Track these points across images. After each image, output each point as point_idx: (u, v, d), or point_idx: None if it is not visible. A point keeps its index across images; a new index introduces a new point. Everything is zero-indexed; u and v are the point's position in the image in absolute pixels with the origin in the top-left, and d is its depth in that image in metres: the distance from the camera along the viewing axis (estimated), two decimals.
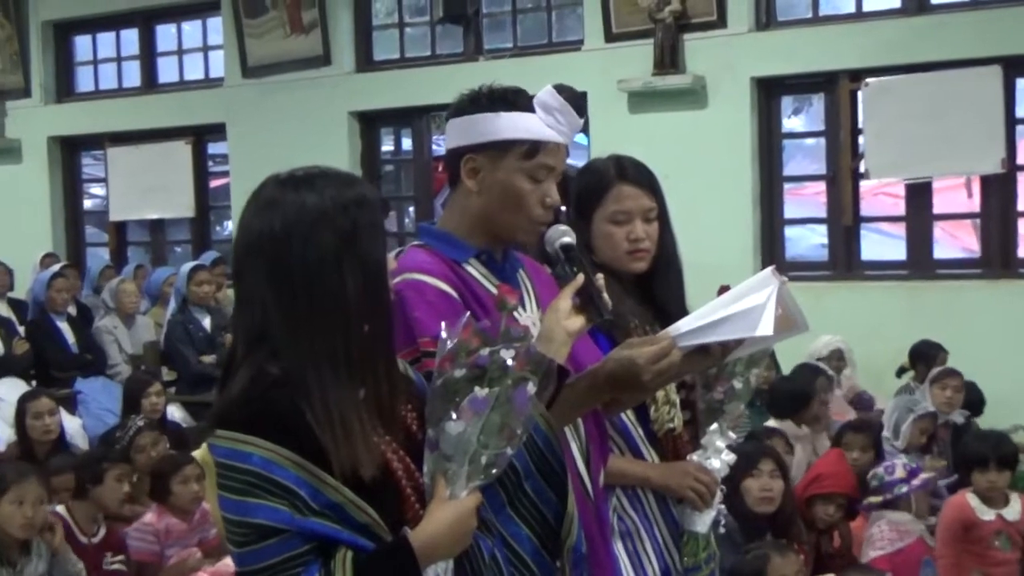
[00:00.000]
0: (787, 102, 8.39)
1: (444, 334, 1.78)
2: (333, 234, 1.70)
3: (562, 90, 2.25)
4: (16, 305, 8.62)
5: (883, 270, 7.87)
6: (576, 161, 8.31)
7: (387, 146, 9.99)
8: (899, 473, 4.79)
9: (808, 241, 8.78)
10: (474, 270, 2.23)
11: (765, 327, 2.15)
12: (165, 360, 7.84)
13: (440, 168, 8.72)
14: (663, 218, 2.67)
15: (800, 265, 8.18)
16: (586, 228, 2.62)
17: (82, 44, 11.06)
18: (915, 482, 4.77)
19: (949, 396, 6.05)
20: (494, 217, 2.21)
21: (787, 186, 8.25)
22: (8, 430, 6.05)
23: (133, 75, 10.76)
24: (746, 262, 7.65)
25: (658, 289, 2.66)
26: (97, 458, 4.83)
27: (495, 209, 2.20)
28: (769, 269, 2.25)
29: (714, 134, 7.91)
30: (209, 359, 7.48)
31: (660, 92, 8.01)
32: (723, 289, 2.31)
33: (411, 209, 9.76)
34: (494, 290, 2.18)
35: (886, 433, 5.87)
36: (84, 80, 11.08)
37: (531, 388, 1.74)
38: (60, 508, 4.60)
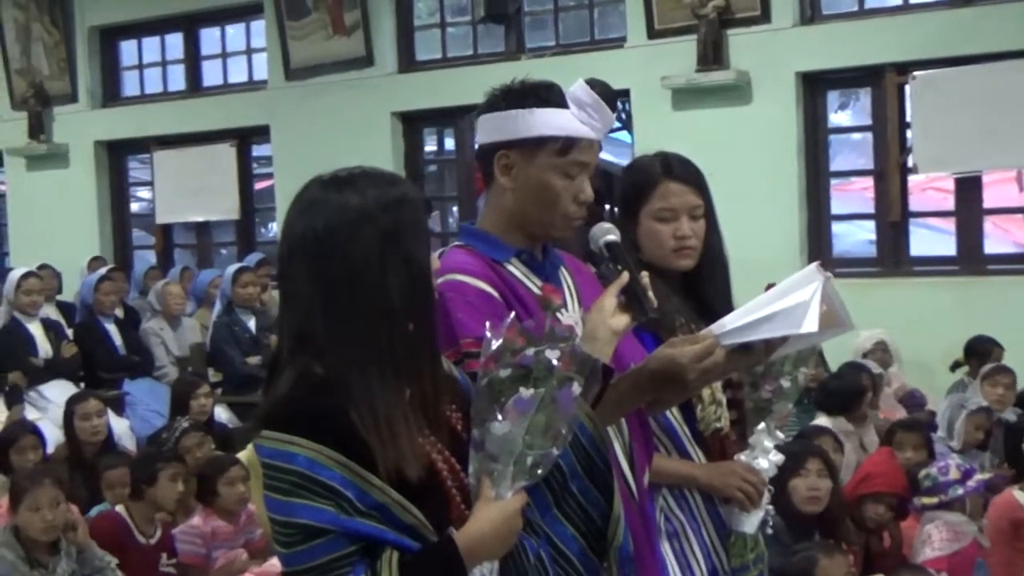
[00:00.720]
0: (833, 97, 8.32)
1: (489, 334, 1.78)
2: (376, 233, 1.71)
3: (595, 85, 2.25)
4: (64, 308, 8.73)
5: (932, 266, 7.78)
6: (621, 159, 8.28)
7: (430, 146, 10.02)
8: (953, 474, 4.73)
9: (855, 237, 8.71)
10: (515, 270, 2.23)
11: (809, 324, 2.14)
12: (211, 361, 7.90)
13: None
14: (709, 215, 2.66)
15: (848, 262, 8.11)
16: (632, 226, 2.61)
17: (127, 49, 11.19)
18: (971, 484, 4.71)
19: (1001, 394, 5.98)
20: (528, 214, 2.22)
21: (834, 182, 8.19)
22: (57, 432, 6.12)
23: (178, 79, 10.86)
24: (793, 259, 7.60)
25: (704, 287, 2.65)
26: (150, 458, 4.87)
27: (529, 205, 2.21)
28: (814, 265, 2.24)
29: (759, 130, 7.86)
30: (254, 360, 7.54)
31: (704, 88, 7.98)
32: (770, 287, 2.30)
33: (454, 209, 9.79)
34: (536, 290, 2.19)
35: (940, 433, 5.80)
36: (129, 85, 11.20)
37: (576, 388, 1.74)
38: (120, 508, 4.66)
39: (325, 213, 1.72)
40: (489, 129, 2.23)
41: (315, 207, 1.74)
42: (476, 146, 2.33)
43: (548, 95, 2.20)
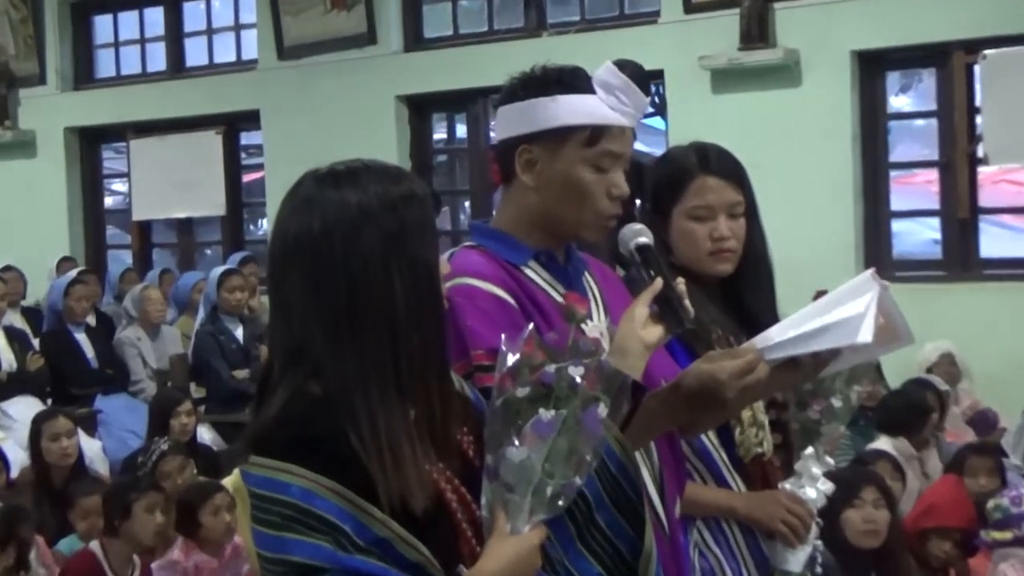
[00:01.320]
0: (893, 79, 8.30)
1: (504, 347, 1.79)
2: (379, 235, 1.72)
3: (624, 66, 2.25)
4: (30, 315, 8.77)
5: (1005, 269, 7.75)
6: (654, 149, 8.30)
7: (439, 134, 10.04)
8: None
9: (918, 236, 8.68)
10: (534, 274, 2.24)
11: (864, 337, 2.14)
12: (194, 375, 7.93)
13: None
14: (751, 213, 2.66)
15: (909, 264, 8.09)
16: (663, 225, 2.62)
17: (102, 25, 11.24)
18: None
19: None
20: (555, 214, 2.22)
21: (894, 174, 8.17)
22: (22, 454, 6.15)
23: (158, 59, 10.90)
24: (847, 262, 7.58)
25: (745, 294, 2.66)
26: (123, 489, 4.88)
27: (556, 205, 2.22)
28: (869, 272, 2.24)
29: (809, 116, 7.85)
30: (242, 374, 7.56)
31: (747, 69, 7.97)
32: (820, 294, 2.30)
33: (466, 204, 9.80)
34: (557, 296, 2.20)
35: (1015, 460, 5.77)
36: (104, 65, 11.25)
37: (603, 409, 1.74)
38: (94, 545, 4.67)
39: (322, 212, 1.73)
40: (508, 122, 2.25)
41: (311, 205, 1.75)
42: (494, 141, 2.34)
43: (572, 80, 2.21)
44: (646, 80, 2.34)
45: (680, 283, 2.15)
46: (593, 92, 2.20)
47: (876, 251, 7.89)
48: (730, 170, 2.65)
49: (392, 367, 1.71)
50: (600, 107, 2.19)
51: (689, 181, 2.63)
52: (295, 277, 1.74)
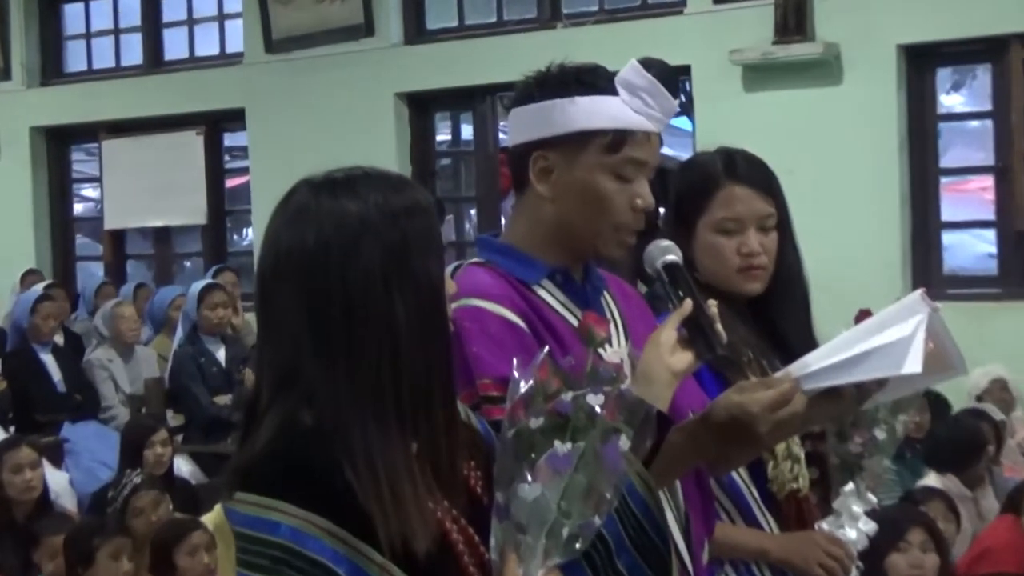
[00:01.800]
0: (944, 75, 8.31)
1: (516, 374, 1.79)
2: (379, 249, 1.73)
3: (650, 65, 2.26)
4: None
5: None
6: (679, 152, 8.28)
7: (443, 135, 10.06)
8: None
9: (972, 250, 8.67)
10: (547, 294, 2.25)
11: (912, 366, 2.14)
12: (171, 401, 7.93)
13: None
14: (784, 226, 2.67)
15: (962, 280, 8.08)
16: (687, 238, 2.63)
17: (72, 15, 11.28)
18: None
19: None
20: (572, 226, 2.23)
21: (944, 181, 8.16)
22: None
23: (134, 52, 10.94)
24: (892, 279, 7.58)
25: (776, 316, 2.67)
26: (85, 532, 4.87)
27: (573, 216, 2.23)
28: (918, 293, 2.24)
29: (851, 117, 7.85)
30: (224, 400, 7.56)
31: (782, 65, 7.98)
32: (862, 315, 2.30)
33: (472, 212, 9.82)
34: (572, 320, 2.20)
35: None
36: (74, 58, 11.29)
37: (624, 442, 1.75)
38: None
39: (317, 223, 1.75)
40: (521, 126, 2.26)
41: (304, 216, 1.76)
42: (507, 146, 2.35)
43: (593, 80, 2.22)
44: (674, 81, 2.35)
45: (713, 306, 2.15)
46: (615, 93, 2.21)
47: (925, 267, 7.89)
48: (760, 178, 2.66)
49: (392, 394, 1.71)
50: (623, 110, 2.20)
51: (715, 190, 2.64)
52: (286, 294, 1.74)
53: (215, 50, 10.58)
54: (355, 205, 1.75)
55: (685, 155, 3.02)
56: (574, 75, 2.22)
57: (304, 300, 1.73)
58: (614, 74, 2.24)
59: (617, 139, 2.19)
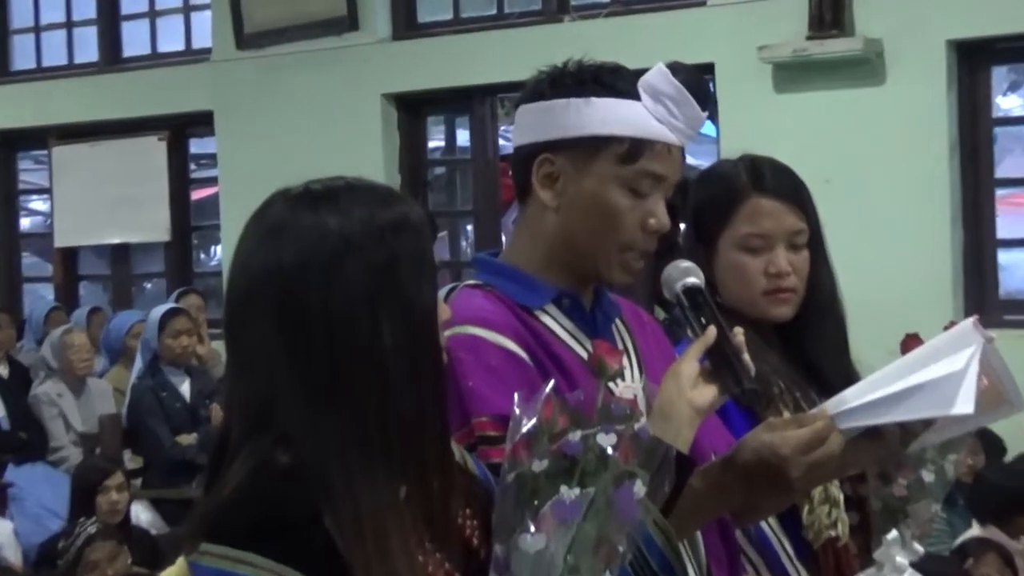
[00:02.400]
0: (1000, 75, 8.32)
1: (518, 410, 1.80)
2: (365, 270, 1.73)
3: (678, 71, 2.27)
4: None
5: None
6: (701, 161, 8.31)
7: (436, 141, 10.08)
8: None
9: None
10: (553, 322, 2.25)
11: (963, 404, 2.14)
12: (129, 441, 7.92)
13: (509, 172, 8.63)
14: (816, 243, 2.68)
15: (1019, 305, 8.07)
16: (708, 257, 2.63)
17: (20, 6, 11.31)
18: None
19: None
20: (574, 241, 2.24)
21: (1000, 193, 8.17)
22: None
23: (89, 47, 10.96)
24: (942, 303, 7.57)
25: (809, 345, 2.67)
26: None
27: (576, 230, 2.23)
28: (970, 321, 2.24)
29: (895, 121, 7.86)
30: (189, 439, 7.54)
31: (818, 63, 7.99)
32: (910, 340, 2.30)
33: (469, 228, 9.83)
34: (580, 349, 2.21)
35: None
36: (22, 55, 11.32)
37: (640, 487, 1.75)
38: None
39: (294, 241, 1.75)
40: (528, 125, 2.27)
41: (281, 233, 1.76)
42: (508, 154, 2.36)
43: (614, 81, 2.23)
44: (704, 90, 2.35)
45: (739, 334, 2.15)
46: (638, 98, 2.22)
47: (978, 289, 7.88)
48: (789, 189, 2.66)
49: (379, 434, 1.71)
50: (644, 117, 2.21)
51: (739, 203, 2.64)
52: (260, 321, 1.74)
53: (180, 46, 10.60)
54: (337, 221, 1.75)
55: (708, 164, 3.02)
56: (592, 74, 2.23)
57: (280, 328, 1.73)
58: (638, 77, 2.25)
59: (634, 148, 2.20)
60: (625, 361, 2.28)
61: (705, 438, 2.19)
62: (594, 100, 2.21)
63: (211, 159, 10.38)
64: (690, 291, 2.20)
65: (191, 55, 10.44)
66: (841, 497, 2.61)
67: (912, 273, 7.64)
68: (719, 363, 2.10)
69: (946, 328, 2.30)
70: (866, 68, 7.98)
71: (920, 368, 2.18)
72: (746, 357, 2.11)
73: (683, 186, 2.46)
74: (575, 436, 1.75)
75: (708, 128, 8.92)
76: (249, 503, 1.70)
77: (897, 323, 2.88)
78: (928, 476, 2.62)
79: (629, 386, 2.24)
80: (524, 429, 1.77)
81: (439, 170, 10.21)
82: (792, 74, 8.13)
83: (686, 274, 2.21)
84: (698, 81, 2.32)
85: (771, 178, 2.67)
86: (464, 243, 9.97)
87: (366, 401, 1.71)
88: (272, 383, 1.73)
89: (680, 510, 2.02)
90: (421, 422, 1.75)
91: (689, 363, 2.09)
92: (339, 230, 1.74)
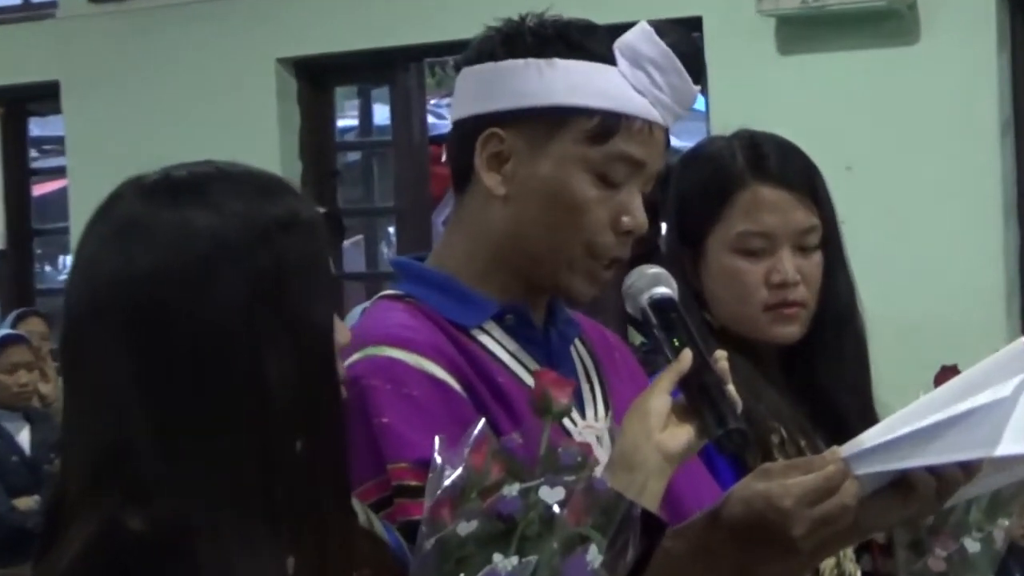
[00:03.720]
0: None
1: (439, 457, 1.79)
2: (241, 281, 1.73)
3: (666, 33, 2.28)
4: None
5: None
6: (685, 142, 8.35)
7: (348, 119, 10.08)
8: None
9: None
10: (493, 342, 2.26)
11: (1012, 443, 2.14)
12: None
13: (443, 157, 8.56)
14: (831, 245, 2.70)
15: None
16: (694, 262, 2.65)
17: None
18: None
19: None
20: (526, 241, 2.25)
21: None
22: None
23: None
24: (991, 318, 7.60)
25: (821, 374, 2.69)
26: None
27: (529, 227, 2.24)
28: (1022, 342, 2.25)
29: (931, 90, 7.90)
30: (29, 503, 7.55)
31: (833, 17, 8.01)
32: (944, 375, 2.30)
33: (391, 231, 9.82)
34: (528, 377, 2.21)
35: None
36: None
37: (594, 555, 1.75)
38: None
39: (151, 244, 1.74)
40: (474, 92, 2.28)
41: (133, 233, 1.76)
42: (441, 135, 2.36)
43: (583, 40, 2.24)
44: (698, 60, 2.36)
45: (721, 358, 2.16)
46: (613, 63, 2.23)
47: None
48: (799, 176, 2.68)
49: (260, 489, 1.71)
50: (621, 86, 2.22)
51: (734, 193, 2.66)
52: (106, 345, 1.73)
53: None
54: (206, 217, 1.74)
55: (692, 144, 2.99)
56: (558, 31, 2.24)
57: (130, 353, 1.72)
58: (614, 38, 2.25)
59: (606, 124, 2.21)
60: (586, 393, 2.29)
61: (685, 488, 2.21)
62: (559, 62, 2.21)
63: (57, 143, 10.35)
64: (659, 305, 2.19)
65: (31, 10, 10.41)
66: (859, 573, 2.62)
67: (952, 283, 7.64)
68: (696, 397, 2.10)
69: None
70: (895, 23, 8.01)
71: (960, 399, 2.17)
72: (730, 389, 2.12)
73: (665, 177, 2.46)
74: (512, 490, 1.75)
75: (696, 101, 8.96)
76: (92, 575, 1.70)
77: (934, 349, 2.89)
78: (973, 546, 2.62)
79: (591, 426, 2.25)
80: (447, 481, 1.77)
81: (352, 156, 10.23)
82: (800, 31, 8.16)
83: (654, 283, 2.21)
84: (691, 47, 2.33)
85: (775, 161, 2.68)
86: (386, 249, 9.97)
87: (243, 448, 1.70)
88: (121, 424, 1.71)
89: None
90: (314, 474, 1.75)
91: (658, 398, 2.09)
92: (208, 229, 1.74)
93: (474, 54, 2.28)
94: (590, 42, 2.23)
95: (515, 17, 2.27)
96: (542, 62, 2.21)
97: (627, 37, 2.24)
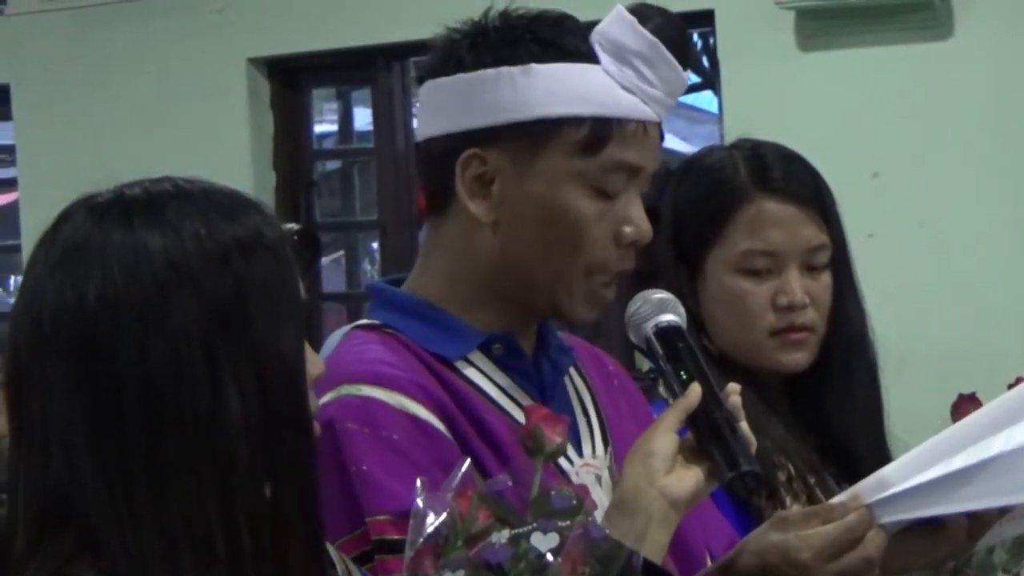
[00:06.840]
0: None
1: (422, 502, 1.79)
2: (200, 308, 1.73)
3: (647, 17, 2.27)
4: None
5: None
6: (691, 144, 8.33)
7: (326, 124, 10.08)
8: None
9: None
10: (478, 374, 2.27)
11: None
12: None
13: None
14: (841, 264, 2.70)
15: None
16: (692, 283, 2.66)
17: None
18: None
19: None
20: (521, 269, 2.25)
21: None
22: None
23: None
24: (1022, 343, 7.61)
25: (830, 401, 2.69)
26: None
27: (523, 253, 2.24)
28: None
29: (964, 89, 7.90)
30: None
31: (859, 9, 8.03)
32: (962, 406, 2.31)
33: (374, 246, 9.82)
34: (518, 412, 2.21)
35: None
36: None
37: None
38: None
39: (102, 268, 1.74)
40: (443, 108, 2.27)
41: (83, 256, 1.76)
42: (419, 140, 2.35)
43: (558, 37, 2.24)
44: (683, 41, 2.37)
45: (734, 393, 2.16)
46: (596, 60, 2.23)
47: None
48: (806, 189, 2.69)
49: (223, 541, 1.70)
50: (607, 86, 2.22)
51: (736, 208, 2.67)
52: (53, 379, 1.74)
53: None
54: (161, 239, 1.75)
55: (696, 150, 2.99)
56: (527, 29, 2.24)
57: (80, 390, 1.72)
58: (590, 29, 2.25)
59: (598, 132, 2.21)
60: (583, 430, 2.29)
61: (692, 538, 2.20)
62: (534, 67, 2.21)
63: (7, 153, 10.35)
64: (666, 333, 2.20)
65: None
66: None
67: (988, 303, 7.62)
68: (705, 437, 2.10)
69: (1011, 387, 2.31)
70: (926, 15, 8.01)
71: (990, 433, 2.17)
72: (743, 427, 2.12)
73: (663, 178, 2.46)
74: (501, 537, 1.75)
75: (708, 102, 8.97)
76: None
77: (955, 378, 2.87)
78: None
79: (590, 464, 2.26)
80: (430, 528, 1.77)
81: (330, 165, 10.20)
82: (823, 24, 8.17)
83: (660, 309, 2.21)
84: (677, 30, 2.33)
85: (781, 172, 2.68)
86: (368, 266, 9.96)
87: (203, 493, 1.71)
88: (70, 468, 1.72)
89: None
90: (283, 522, 1.75)
91: (663, 437, 2.10)
92: (163, 252, 1.74)
93: (439, 63, 2.28)
94: (565, 39, 2.24)
95: (478, 17, 2.27)
96: (515, 70, 2.20)
97: (605, 28, 2.24)
